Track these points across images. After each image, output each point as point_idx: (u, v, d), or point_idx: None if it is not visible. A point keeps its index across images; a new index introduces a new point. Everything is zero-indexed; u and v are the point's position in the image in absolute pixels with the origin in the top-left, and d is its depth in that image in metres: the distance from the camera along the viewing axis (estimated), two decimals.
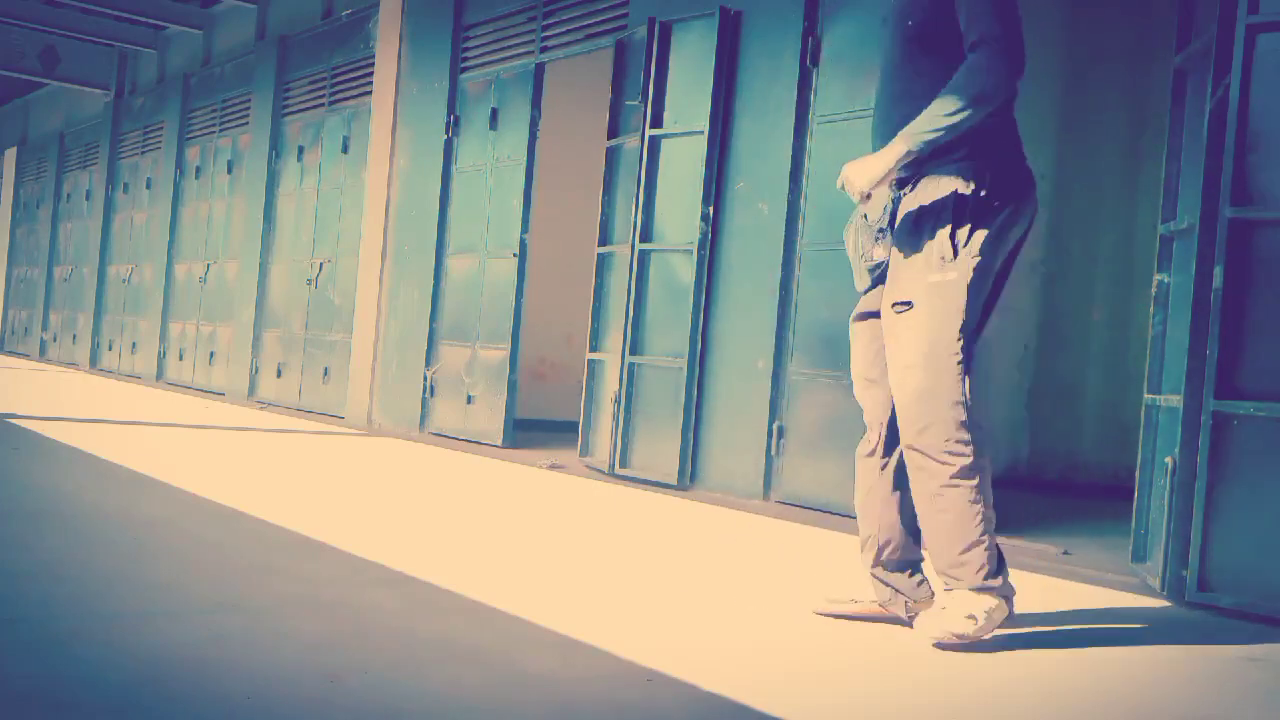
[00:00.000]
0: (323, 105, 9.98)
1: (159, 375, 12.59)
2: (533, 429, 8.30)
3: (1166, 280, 4.21)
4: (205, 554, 3.55)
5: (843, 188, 3.05)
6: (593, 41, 7.17)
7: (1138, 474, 4.22)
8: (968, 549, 2.90)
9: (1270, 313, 3.65)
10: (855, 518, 3.23)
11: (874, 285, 3.17)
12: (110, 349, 14.06)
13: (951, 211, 2.98)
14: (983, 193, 2.98)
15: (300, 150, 10.21)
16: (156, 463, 5.63)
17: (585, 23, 7.22)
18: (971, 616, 2.84)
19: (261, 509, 4.35)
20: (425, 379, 8.22)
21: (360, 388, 8.87)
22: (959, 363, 2.95)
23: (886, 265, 3.11)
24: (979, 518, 2.91)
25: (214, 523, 4.10)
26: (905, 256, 3.04)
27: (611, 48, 6.78)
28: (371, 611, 2.91)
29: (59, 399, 10.01)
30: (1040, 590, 3.85)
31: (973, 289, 2.99)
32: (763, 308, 5.68)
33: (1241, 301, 3.68)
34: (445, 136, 8.24)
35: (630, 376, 6.23)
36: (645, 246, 6.21)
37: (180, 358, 12.21)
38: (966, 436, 2.94)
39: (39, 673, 2.18)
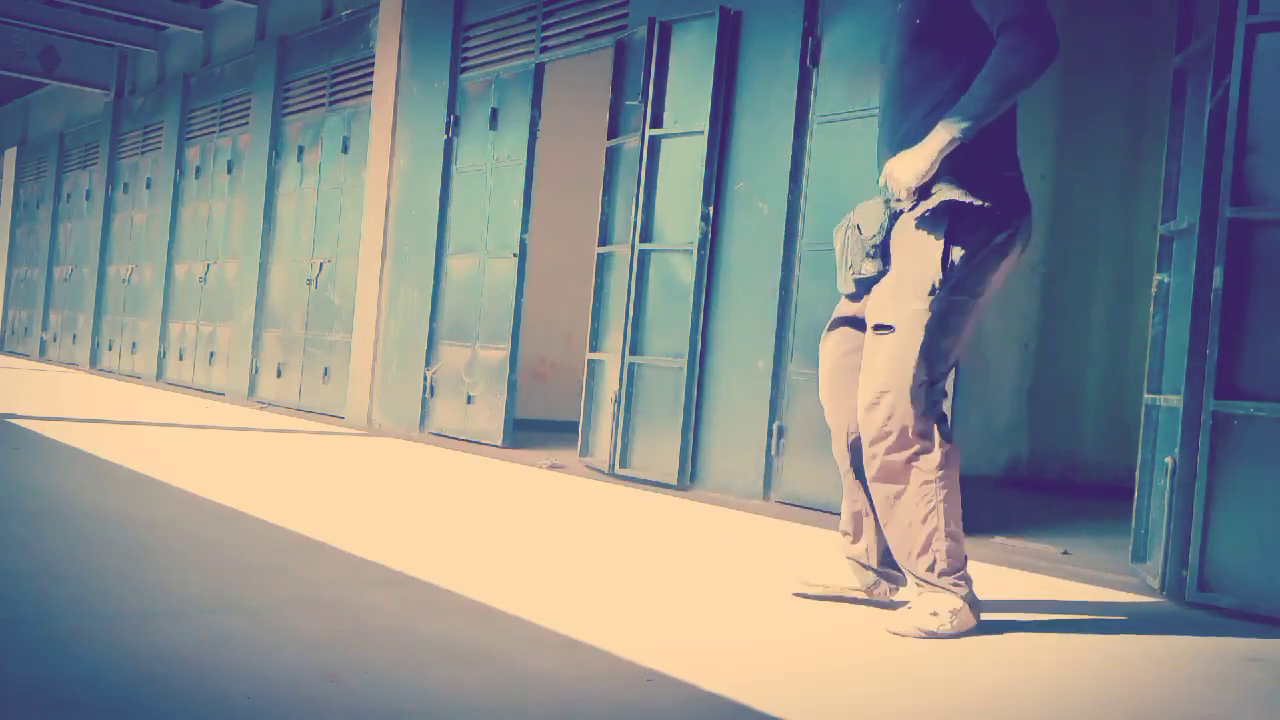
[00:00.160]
0: (323, 105, 9.98)
1: (159, 375, 12.59)
2: (533, 429, 8.30)
3: (1166, 280, 4.21)
4: (205, 554, 3.55)
5: (885, 186, 3.05)
6: (593, 41, 7.17)
7: (1138, 474, 4.22)
8: (923, 551, 3.03)
9: (1270, 313, 3.65)
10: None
11: (858, 294, 3.20)
12: (110, 349, 14.06)
13: (944, 237, 3.00)
14: (978, 219, 2.99)
15: (300, 150, 10.22)
16: (156, 463, 5.63)
17: (585, 23, 7.22)
18: (935, 614, 2.98)
19: (261, 509, 4.35)
20: (425, 379, 8.22)
21: (360, 388, 8.87)
22: (931, 386, 3.04)
23: (874, 280, 3.13)
24: (934, 524, 3.02)
25: (214, 523, 4.10)
26: (894, 279, 3.07)
27: (611, 48, 6.78)
28: (371, 611, 2.91)
29: (59, 399, 10.01)
30: (1040, 590, 3.85)
31: (956, 318, 3.03)
32: (763, 308, 5.68)
33: (1241, 301, 3.68)
34: (445, 136, 8.24)
35: (630, 376, 6.23)
36: (645, 246, 6.21)
37: (180, 358, 12.21)
38: (930, 449, 3.03)
39: (39, 673, 2.18)
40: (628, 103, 6.50)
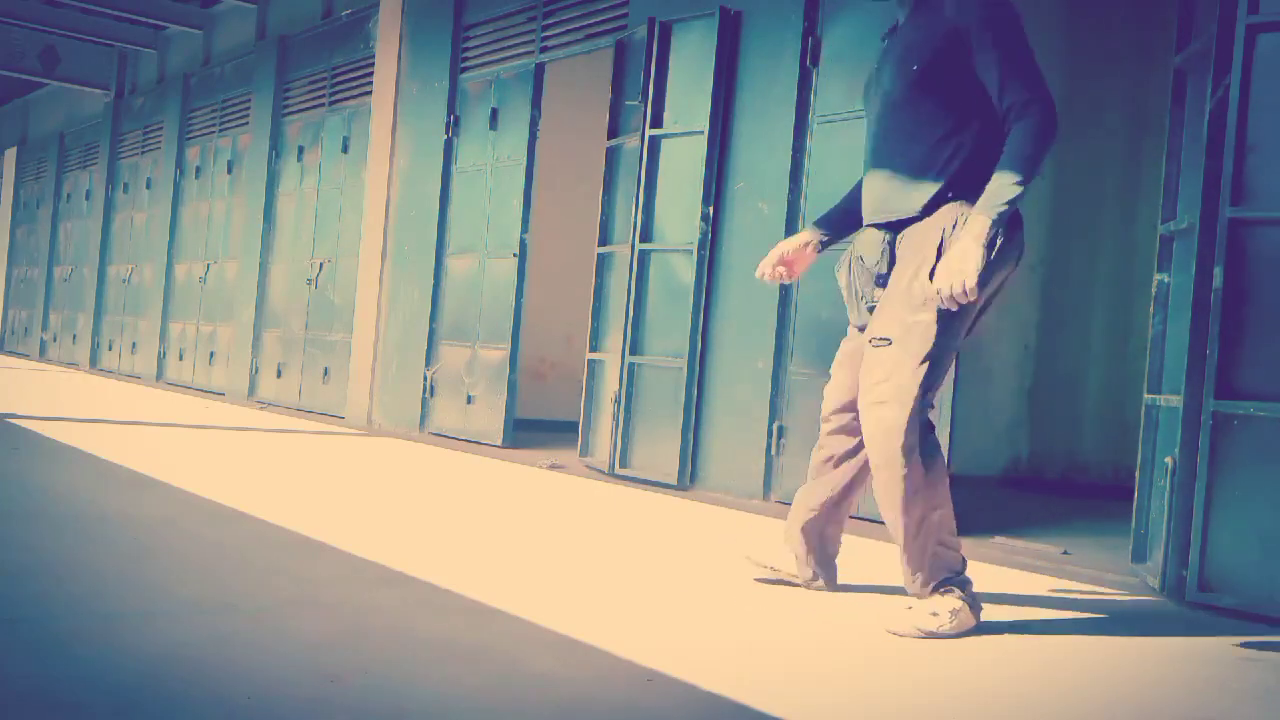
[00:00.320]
0: (323, 105, 9.98)
1: (159, 375, 12.59)
2: (533, 429, 8.30)
3: (1166, 280, 4.21)
4: (205, 554, 3.55)
5: (950, 298, 2.97)
6: (593, 41, 7.17)
7: (1138, 474, 4.22)
8: (917, 569, 3.11)
9: (1270, 313, 3.65)
10: (855, 519, 3.32)
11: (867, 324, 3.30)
12: (110, 349, 14.06)
13: (938, 251, 3.05)
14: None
15: (300, 150, 10.21)
16: (156, 463, 5.63)
17: (585, 23, 7.22)
18: (935, 614, 3.03)
19: (262, 509, 4.35)
20: (425, 379, 8.22)
21: (360, 388, 8.87)
22: (927, 397, 3.07)
23: None
24: (930, 531, 3.09)
25: (214, 523, 4.09)
26: (891, 293, 3.14)
27: (611, 48, 6.78)
28: (371, 611, 2.91)
29: (59, 399, 10.01)
30: (1040, 590, 3.85)
31: (950, 330, 3.08)
32: (763, 308, 5.68)
33: (1241, 301, 3.69)
34: (445, 136, 8.24)
35: (630, 376, 6.23)
36: (645, 246, 6.21)
37: (180, 358, 12.21)
38: (916, 461, 3.06)
39: (39, 673, 2.18)
40: (628, 103, 6.50)
